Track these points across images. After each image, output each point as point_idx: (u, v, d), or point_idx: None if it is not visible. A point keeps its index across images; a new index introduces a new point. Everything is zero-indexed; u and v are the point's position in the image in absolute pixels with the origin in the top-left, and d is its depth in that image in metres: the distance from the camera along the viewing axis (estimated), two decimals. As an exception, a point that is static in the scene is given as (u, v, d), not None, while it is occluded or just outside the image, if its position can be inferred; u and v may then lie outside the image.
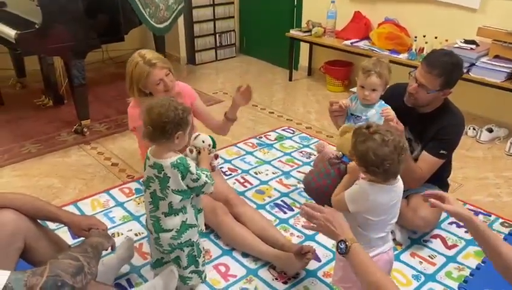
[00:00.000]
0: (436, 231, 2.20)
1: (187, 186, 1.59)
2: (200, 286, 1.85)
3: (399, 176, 1.42)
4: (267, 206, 2.40)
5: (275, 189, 2.57)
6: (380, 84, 1.96)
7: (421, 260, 2.02)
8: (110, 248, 1.67)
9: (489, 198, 2.51)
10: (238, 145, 3.08)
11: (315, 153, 2.95)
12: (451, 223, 2.25)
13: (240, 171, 2.76)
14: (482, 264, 1.97)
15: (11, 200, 1.57)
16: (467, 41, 3.14)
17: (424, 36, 3.36)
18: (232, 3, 4.96)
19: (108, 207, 2.39)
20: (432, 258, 2.03)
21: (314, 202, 1.86)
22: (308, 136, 3.25)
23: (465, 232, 2.15)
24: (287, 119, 3.55)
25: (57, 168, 2.80)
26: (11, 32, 2.78)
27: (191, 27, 4.75)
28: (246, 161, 2.88)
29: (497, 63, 2.98)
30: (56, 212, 1.66)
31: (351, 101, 2.09)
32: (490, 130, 3.16)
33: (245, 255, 2.03)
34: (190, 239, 1.68)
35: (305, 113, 3.69)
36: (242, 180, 2.65)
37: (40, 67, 3.65)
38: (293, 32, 4.21)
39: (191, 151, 1.81)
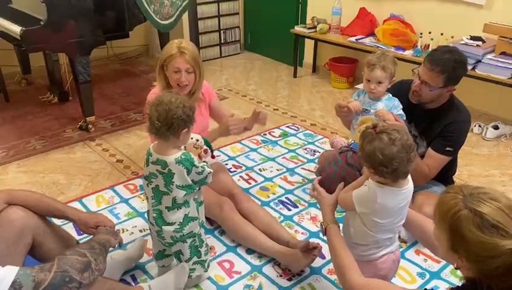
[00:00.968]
0: (441, 229, 2.19)
1: (192, 180, 1.59)
2: (204, 282, 1.85)
3: (409, 177, 1.39)
4: (272, 203, 2.40)
5: (280, 186, 2.57)
6: (385, 77, 1.96)
7: (426, 258, 2.01)
8: (117, 244, 1.67)
9: (495, 196, 2.50)
10: (242, 142, 3.07)
11: (319, 150, 2.95)
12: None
13: (244, 168, 2.76)
14: (487, 262, 1.97)
15: (18, 197, 1.58)
16: (473, 38, 3.11)
17: (430, 33, 3.34)
18: (237, -1, 4.96)
19: (113, 203, 2.40)
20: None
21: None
22: (313, 133, 3.24)
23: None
24: (292, 116, 3.54)
25: (62, 164, 2.81)
26: (16, 29, 2.79)
27: (196, 24, 4.74)
28: (250, 158, 2.87)
29: (503, 60, 2.96)
30: (63, 209, 1.66)
31: (357, 96, 2.10)
32: (496, 127, 3.15)
33: (249, 251, 2.03)
34: (192, 231, 1.69)
35: (310, 110, 3.68)
36: (246, 177, 2.65)
37: (45, 64, 3.67)
38: (298, 29, 4.19)
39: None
